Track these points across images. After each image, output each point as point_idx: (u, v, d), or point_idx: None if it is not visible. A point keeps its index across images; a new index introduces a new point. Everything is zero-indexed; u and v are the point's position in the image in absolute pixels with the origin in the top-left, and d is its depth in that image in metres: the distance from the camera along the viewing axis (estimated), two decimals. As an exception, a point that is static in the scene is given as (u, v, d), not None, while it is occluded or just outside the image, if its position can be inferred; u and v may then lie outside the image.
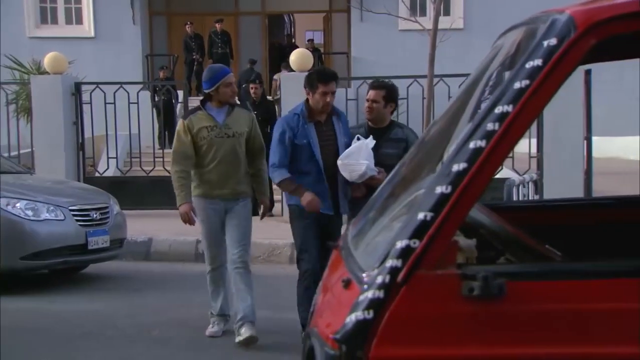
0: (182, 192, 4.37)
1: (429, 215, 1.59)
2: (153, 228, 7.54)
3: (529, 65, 1.62)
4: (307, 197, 4.10)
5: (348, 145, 4.18)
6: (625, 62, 2.63)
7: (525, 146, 7.75)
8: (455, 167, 1.61)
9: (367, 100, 4.45)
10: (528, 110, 1.60)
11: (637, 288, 1.57)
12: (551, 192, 7.45)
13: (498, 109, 1.62)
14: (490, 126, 1.62)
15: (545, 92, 1.60)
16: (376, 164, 4.11)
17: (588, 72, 7.17)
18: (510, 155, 8.06)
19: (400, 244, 1.60)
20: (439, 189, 1.61)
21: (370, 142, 4.12)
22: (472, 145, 1.62)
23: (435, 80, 8.44)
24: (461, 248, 1.79)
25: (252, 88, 9.42)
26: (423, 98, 8.62)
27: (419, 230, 1.59)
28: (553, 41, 1.60)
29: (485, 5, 13.99)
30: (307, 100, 4.25)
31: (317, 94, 4.15)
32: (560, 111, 6.80)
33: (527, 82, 1.61)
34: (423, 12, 12.81)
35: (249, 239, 4.51)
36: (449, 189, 1.60)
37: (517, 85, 1.62)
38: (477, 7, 14.11)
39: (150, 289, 5.83)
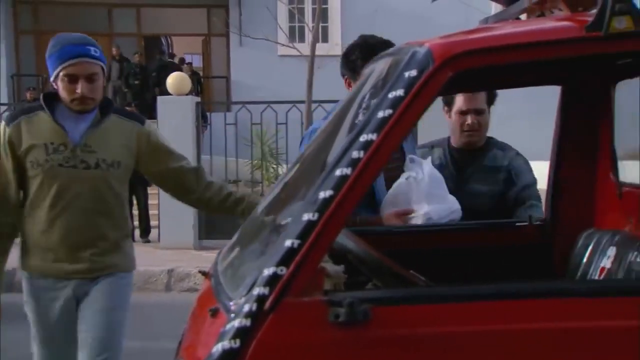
0: None
1: (296, 242, 1.61)
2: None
3: (391, 95, 1.68)
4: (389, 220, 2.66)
5: None
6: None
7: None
8: (322, 194, 1.64)
9: (463, 114, 2.96)
10: (391, 138, 1.66)
11: (499, 310, 1.64)
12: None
13: (363, 137, 1.67)
14: (355, 154, 1.66)
15: (406, 121, 1.67)
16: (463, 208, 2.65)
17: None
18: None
19: (267, 272, 1.60)
20: (306, 216, 1.63)
21: (426, 163, 2.67)
22: (338, 172, 1.65)
23: (314, 105, 8.59)
24: (329, 274, 1.82)
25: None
26: (302, 123, 8.75)
27: (286, 258, 1.60)
28: (413, 72, 1.67)
29: (362, 33, 14.39)
30: None
31: None
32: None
33: (390, 111, 1.66)
34: (302, 38, 13.02)
35: (117, 346, 2.66)
36: (316, 216, 1.62)
37: (380, 114, 1.67)
38: (354, 34, 14.39)
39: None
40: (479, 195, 2.89)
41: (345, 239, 2.02)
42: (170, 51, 18.89)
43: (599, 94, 2.50)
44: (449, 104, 3.03)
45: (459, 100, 2.98)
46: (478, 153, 3.00)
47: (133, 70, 14.85)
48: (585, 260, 2.48)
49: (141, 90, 14.69)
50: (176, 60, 16.59)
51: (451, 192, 2.69)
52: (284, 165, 9.46)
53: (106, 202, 2.67)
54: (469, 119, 2.99)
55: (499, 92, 3.04)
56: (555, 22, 1.91)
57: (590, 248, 2.48)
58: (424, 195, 2.62)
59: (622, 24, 1.59)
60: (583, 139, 2.57)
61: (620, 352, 1.62)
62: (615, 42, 1.64)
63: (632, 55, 1.98)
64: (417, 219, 2.62)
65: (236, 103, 10.14)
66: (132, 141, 2.73)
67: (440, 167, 2.88)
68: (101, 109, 2.71)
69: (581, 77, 2.49)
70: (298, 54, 9.57)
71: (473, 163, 2.98)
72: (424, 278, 1.92)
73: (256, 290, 1.59)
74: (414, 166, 2.66)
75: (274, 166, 10.55)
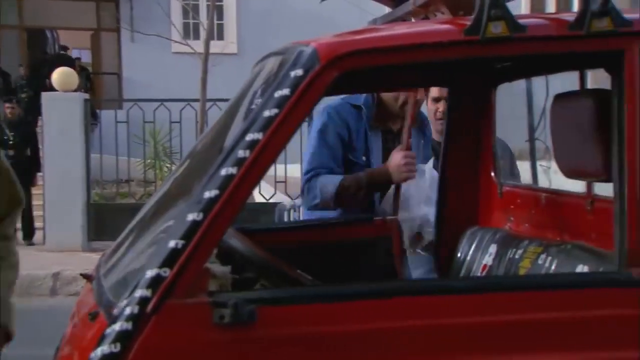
0: None
1: (180, 243, 1.59)
2: None
3: (277, 94, 1.69)
4: (395, 159, 2.67)
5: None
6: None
7: (298, 171, 8.04)
8: (207, 194, 1.63)
9: (435, 101, 3.03)
10: (277, 138, 1.67)
11: (385, 308, 1.68)
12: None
13: (249, 137, 1.67)
14: (241, 153, 1.66)
15: (292, 120, 1.68)
16: None
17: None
18: (283, 179, 8.32)
19: (150, 273, 1.58)
20: (191, 216, 1.61)
21: (428, 167, 2.81)
22: (223, 172, 1.65)
23: (209, 104, 8.51)
24: (215, 275, 1.81)
25: (7, 108, 8.84)
26: (196, 122, 8.64)
27: (170, 259, 1.58)
28: (299, 72, 1.68)
29: (258, 32, 14.38)
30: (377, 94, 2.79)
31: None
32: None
33: (275, 110, 1.67)
34: (196, 36, 12.86)
35: None
36: (201, 216, 1.61)
37: (266, 113, 1.68)
38: (250, 33, 14.46)
39: None
40: None
41: (232, 239, 2.01)
42: (60, 44, 18.21)
43: (481, 97, 2.60)
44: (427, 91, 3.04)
45: (433, 88, 3.02)
46: None
47: (19, 83, 14.09)
48: (469, 257, 2.58)
49: (35, 99, 13.78)
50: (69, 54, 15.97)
51: None
52: (178, 165, 9.30)
53: None
54: (441, 107, 3.05)
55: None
56: (437, 25, 1.97)
57: (473, 246, 2.58)
58: (424, 197, 2.71)
59: (497, 29, 1.66)
60: (467, 139, 2.66)
61: (500, 345, 1.69)
62: (492, 46, 1.71)
63: (509, 60, 2.07)
64: (413, 218, 2.72)
65: (128, 100, 9.89)
66: None
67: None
68: None
69: (465, 80, 2.58)
70: (192, 51, 9.45)
71: None
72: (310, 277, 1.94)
73: (138, 293, 1.56)
74: (417, 170, 2.74)
75: (168, 165, 10.37)
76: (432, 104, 3.14)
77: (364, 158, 2.78)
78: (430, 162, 2.84)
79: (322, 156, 2.76)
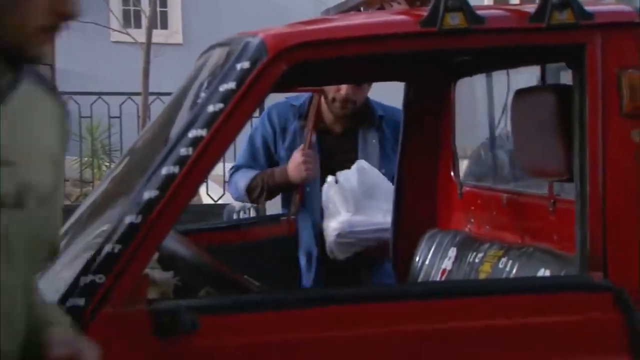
0: None
1: (117, 247, 1.59)
2: None
3: (222, 88, 1.69)
4: (294, 158, 2.80)
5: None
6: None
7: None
8: (147, 195, 1.62)
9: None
10: (222, 135, 1.67)
11: (336, 316, 1.70)
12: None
13: (192, 133, 1.67)
14: (183, 151, 1.66)
15: (238, 116, 1.69)
16: None
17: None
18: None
19: (84, 280, 1.57)
20: (129, 219, 1.61)
21: (362, 172, 2.78)
22: (164, 171, 1.64)
23: (151, 98, 8.43)
24: (155, 282, 1.81)
25: None
26: (138, 117, 8.56)
27: (106, 264, 1.58)
28: (246, 64, 1.69)
29: (204, 21, 14.29)
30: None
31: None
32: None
33: (220, 105, 1.68)
34: (138, 24, 12.73)
35: None
36: (139, 218, 1.60)
37: (211, 108, 1.68)
38: (196, 22, 14.37)
39: None
40: None
41: (176, 244, 2.01)
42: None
43: (440, 92, 2.64)
44: None
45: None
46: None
47: None
48: (427, 261, 2.61)
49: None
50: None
51: None
52: (118, 164, 9.20)
53: None
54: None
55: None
56: (393, 16, 2.00)
57: (432, 249, 2.61)
58: (352, 203, 2.72)
59: (455, 20, 1.69)
60: (425, 136, 2.70)
61: (457, 354, 1.72)
62: (449, 38, 1.74)
63: (467, 52, 2.11)
64: (335, 224, 2.71)
65: (63, 94, 9.71)
66: None
67: None
68: None
69: (422, 74, 2.62)
70: (133, 41, 9.36)
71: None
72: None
73: (71, 301, 1.55)
74: (349, 172, 2.76)
75: (107, 164, 10.25)
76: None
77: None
78: (363, 164, 2.83)
79: (246, 155, 3.00)
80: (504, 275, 2.14)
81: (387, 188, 2.78)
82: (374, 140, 2.97)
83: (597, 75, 1.76)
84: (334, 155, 2.93)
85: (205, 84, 1.85)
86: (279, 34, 1.74)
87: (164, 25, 13.64)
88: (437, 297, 1.77)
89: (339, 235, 2.72)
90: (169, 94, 8.32)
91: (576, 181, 1.80)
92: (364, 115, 2.95)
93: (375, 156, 2.94)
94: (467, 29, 1.71)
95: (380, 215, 2.75)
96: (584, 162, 1.77)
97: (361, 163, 2.83)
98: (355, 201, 2.73)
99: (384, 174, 2.87)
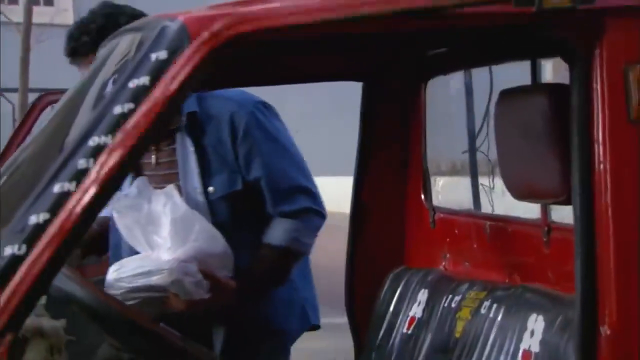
0: None
1: (-7, 288, 1.58)
2: None
3: (133, 84, 1.71)
4: None
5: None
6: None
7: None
8: (34, 219, 1.63)
9: None
10: (131, 142, 1.68)
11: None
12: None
13: (93, 141, 1.68)
14: (82, 163, 1.67)
15: (153, 119, 1.70)
16: None
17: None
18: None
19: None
20: (9, 249, 1.61)
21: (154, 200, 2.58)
22: (57, 189, 1.65)
23: (32, 95, 8.34)
24: (43, 333, 1.80)
25: None
26: (13, 120, 8.46)
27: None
28: (162, 54, 1.71)
29: None
30: None
31: None
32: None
33: (130, 105, 1.69)
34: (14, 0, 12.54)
35: None
36: (23, 249, 1.61)
37: (118, 109, 1.69)
38: None
39: None
40: None
41: (68, 282, 2.01)
42: None
43: (407, 95, 2.69)
44: None
45: None
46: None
47: None
48: (392, 309, 2.65)
49: None
50: None
51: None
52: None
53: None
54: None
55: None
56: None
57: (397, 292, 2.65)
58: (142, 239, 2.59)
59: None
60: (388, 151, 2.74)
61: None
62: (417, 20, 1.77)
63: (439, 41, 2.14)
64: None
65: None
66: None
67: None
68: None
69: (384, 72, 2.66)
70: (7, 20, 9.23)
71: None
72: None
73: None
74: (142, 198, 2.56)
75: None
76: None
77: None
78: (145, 186, 2.62)
79: None
80: (487, 323, 2.19)
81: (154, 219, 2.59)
82: (191, 149, 2.78)
83: (600, 72, 1.81)
84: (150, 175, 2.75)
85: (111, 80, 1.86)
86: (204, 16, 1.76)
87: (49, 1, 13.51)
88: None
89: (106, 287, 2.43)
90: (56, 90, 8.33)
91: (575, 204, 1.83)
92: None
93: (194, 171, 2.76)
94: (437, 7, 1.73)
95: (160, 258, 2.53)
96: (584, 179, 1.80)
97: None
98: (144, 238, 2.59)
99: (211, 194, 2.74)
